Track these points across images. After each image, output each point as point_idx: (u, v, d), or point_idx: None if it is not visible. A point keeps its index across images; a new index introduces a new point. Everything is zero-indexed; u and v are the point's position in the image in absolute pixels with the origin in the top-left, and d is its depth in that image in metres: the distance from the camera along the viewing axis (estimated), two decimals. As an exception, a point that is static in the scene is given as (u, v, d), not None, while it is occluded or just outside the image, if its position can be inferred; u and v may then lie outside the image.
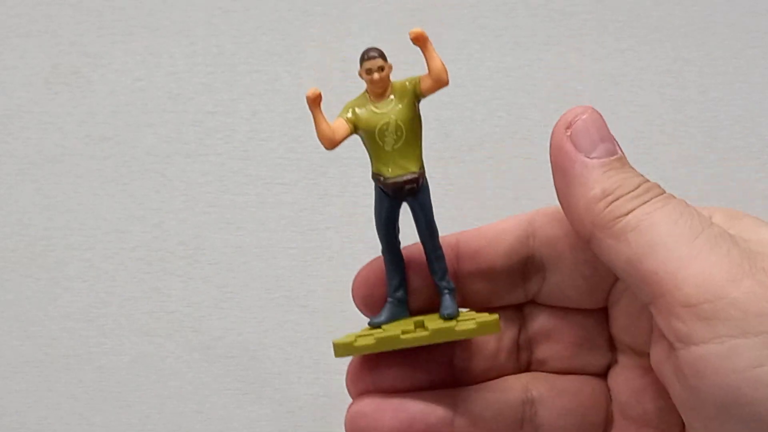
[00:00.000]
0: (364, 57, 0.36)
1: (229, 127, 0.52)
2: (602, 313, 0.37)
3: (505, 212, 0.40)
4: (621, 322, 0.36)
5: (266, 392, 0.46)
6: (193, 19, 0.54)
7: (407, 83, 0.36)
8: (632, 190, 0.32)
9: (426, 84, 0.35)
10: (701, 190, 0.51)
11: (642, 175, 0.34)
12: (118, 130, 0.52)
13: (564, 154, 0.33)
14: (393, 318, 0.36)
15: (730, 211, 0.34)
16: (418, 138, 0.35)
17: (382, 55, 0.36)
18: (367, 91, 0.36)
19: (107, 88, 0.53)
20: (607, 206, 0.32)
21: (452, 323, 0.34)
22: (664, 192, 0.33)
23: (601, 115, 0.34)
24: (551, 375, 0.36)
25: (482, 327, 0.33)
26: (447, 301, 0.35)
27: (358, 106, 0.36)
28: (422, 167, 0.35)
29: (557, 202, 0.36)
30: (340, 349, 0.33)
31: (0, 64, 0.54)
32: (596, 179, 0.33)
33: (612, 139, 0.34)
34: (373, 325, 0.35)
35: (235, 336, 0.47)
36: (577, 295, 0.36)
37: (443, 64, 0.35)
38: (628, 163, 0.34)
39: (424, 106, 0.54)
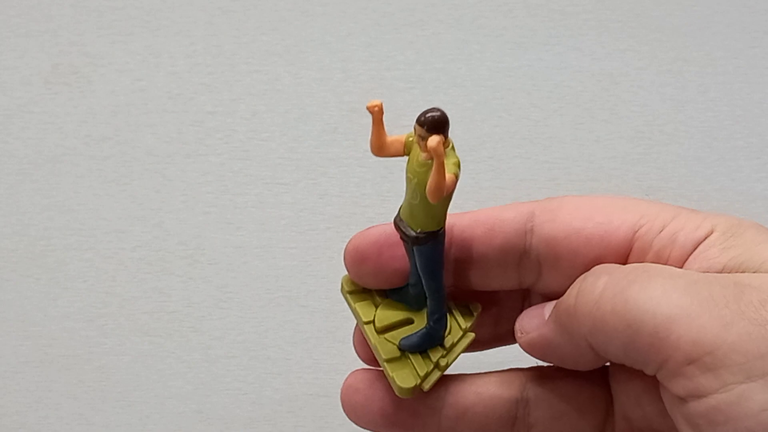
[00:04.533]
0: (419, 118, 0.30)
1: (229, 127, 0.52)
2: None
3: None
4: None
5: (266, 392, 0.46)
6: (193, 19, 0.54)
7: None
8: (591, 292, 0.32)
9: None
10: (701, 191, 0.51)
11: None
12: (118, 130, 0.52)
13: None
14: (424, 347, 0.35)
15: (732, 223, 0.33)
16: (433, 206, 0.32)
17: (438, 127, 0.30)
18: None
19: (107, 88, 0.53)
20: (576, 310, 0.32)
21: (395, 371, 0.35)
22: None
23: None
24: (550, 374, 0.36)
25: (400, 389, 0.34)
26: (415, 336, 0.35)
27: (414, 143, 0.32)
28: (423, 231, 0.32)
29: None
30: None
31: (0, 64, 0.54)
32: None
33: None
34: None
35: (235, 336, 0.47)
36: None
37: (438, 184, 0.30)
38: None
39: (425, 105, 0.54)
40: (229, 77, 0.53)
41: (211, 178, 0.51)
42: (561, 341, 0.33)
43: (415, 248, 0.33)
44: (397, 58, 0.54)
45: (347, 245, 0.36)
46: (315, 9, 0.55)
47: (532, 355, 0.35)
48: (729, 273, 0.32)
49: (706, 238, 0.33)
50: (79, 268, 0.49)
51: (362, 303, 0.36)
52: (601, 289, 0.31)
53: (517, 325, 0.35)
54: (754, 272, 0.31)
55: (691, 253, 0.33)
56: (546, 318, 0.34)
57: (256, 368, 0.47)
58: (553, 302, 0.34)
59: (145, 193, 0.51)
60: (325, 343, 0.46)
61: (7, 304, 0.48)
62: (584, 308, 0.32)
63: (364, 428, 0.39)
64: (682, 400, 0.30)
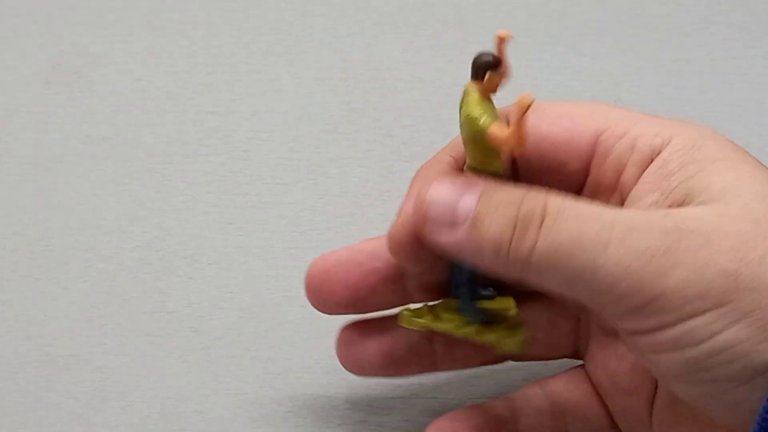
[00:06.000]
0: (491, 66, 0.35)
1: (229, 127, 0.52)
2: None
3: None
4: None
5: (266, 392, 0.46)
6: (193, 19, 0.54)
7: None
8: (514, 224, 0.32)
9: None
10: (701, 190, 0.51)
11: (517, 191, 0.33)
12: (118, 130, 0.52)
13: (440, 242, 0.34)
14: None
15: (692, 135, 0.34)
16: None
17: None
18: (480, 91, 0.35)
19: (107, 88, 0.53)
20: (507, 257, 0.32)
21: (494, 335, 0.37)
22: (547, 198, 0.32)
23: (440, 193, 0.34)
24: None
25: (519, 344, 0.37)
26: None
27: (488, 105, 0.35)
28: None
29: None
30: (405, 320, 0.38)
31: (0, 64, 0.54)
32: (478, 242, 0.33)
33: (461, 189, 0.33)
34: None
35: (235, 336, 0.47)
36: None
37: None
38: (492, 189, 0.33)
39: (425, 105, 0.55)
40: (229, 77, 0.53)
41: (211, 178, 0.51)
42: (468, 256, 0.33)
43: None
44: (397, 58, 0.54)
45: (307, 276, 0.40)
46: (315, 9, 0.55)
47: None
48: (676, 207, 0.33)
49: (664, 147, 0.34)
50: (79, 268, 0.49)
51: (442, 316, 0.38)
52: (530, 246, 0.31)
53: (426, 198, 0.34)
54: (698, 200, 0.32)
55: (650, 162, 0.34)
56: (461, 220, 0.33)
57: (256, 368, 0.47)
58: (472, 188, 0.33)
59: (145, 193, 0.51)
60: (325, 343, 0.46)
61: (7, 304, 0.48)
62: (515, 262, 0.32)
63: (366, 376, 0.41)
64: (631, 333, 0.32)
